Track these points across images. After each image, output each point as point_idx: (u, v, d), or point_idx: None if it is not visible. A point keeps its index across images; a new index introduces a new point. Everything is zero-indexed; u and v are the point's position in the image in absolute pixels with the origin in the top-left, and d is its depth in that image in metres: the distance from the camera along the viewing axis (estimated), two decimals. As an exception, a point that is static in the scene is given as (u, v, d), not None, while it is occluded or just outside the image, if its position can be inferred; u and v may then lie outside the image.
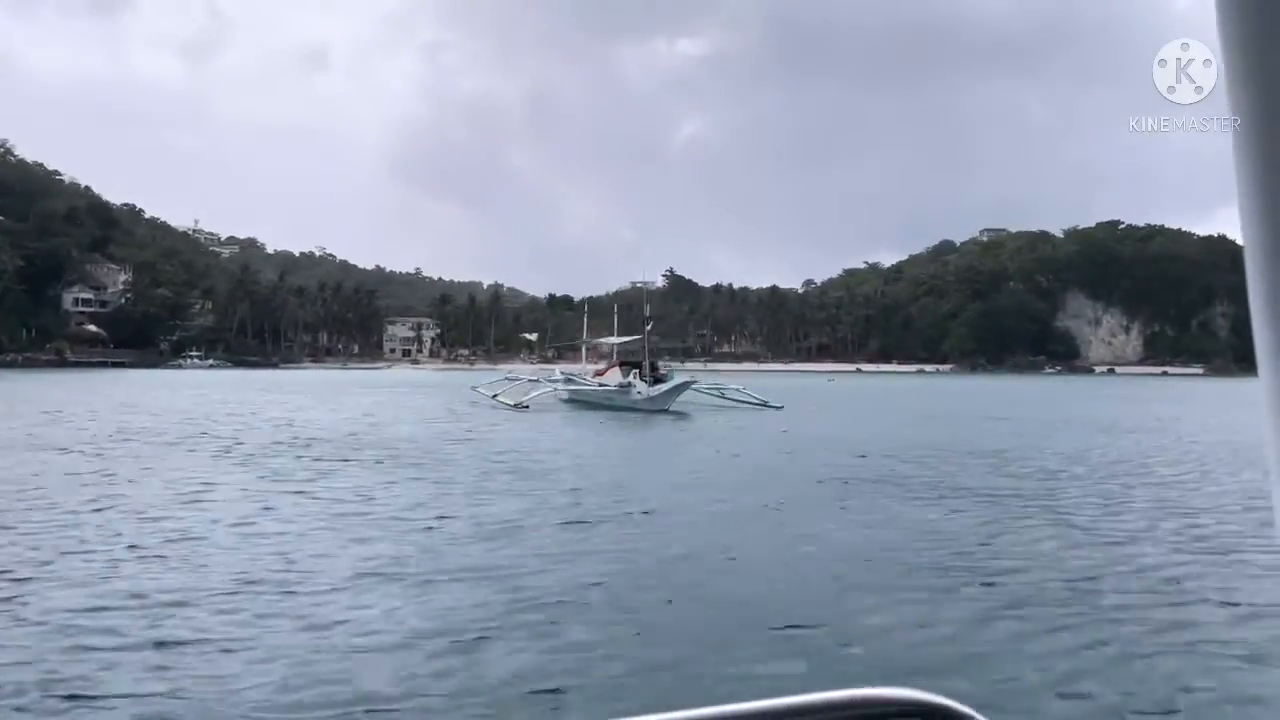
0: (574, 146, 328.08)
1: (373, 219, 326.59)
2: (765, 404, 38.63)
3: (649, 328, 43.22)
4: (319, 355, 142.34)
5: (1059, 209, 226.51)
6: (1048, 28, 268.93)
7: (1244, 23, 0.71)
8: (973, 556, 9.67)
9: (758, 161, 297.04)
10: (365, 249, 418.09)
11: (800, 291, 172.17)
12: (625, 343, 51.27)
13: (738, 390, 40.84)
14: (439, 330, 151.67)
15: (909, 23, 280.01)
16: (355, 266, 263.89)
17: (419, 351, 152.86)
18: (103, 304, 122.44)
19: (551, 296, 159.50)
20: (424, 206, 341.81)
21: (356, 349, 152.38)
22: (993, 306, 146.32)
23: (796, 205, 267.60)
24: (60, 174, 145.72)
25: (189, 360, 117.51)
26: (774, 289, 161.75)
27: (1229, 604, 7.79)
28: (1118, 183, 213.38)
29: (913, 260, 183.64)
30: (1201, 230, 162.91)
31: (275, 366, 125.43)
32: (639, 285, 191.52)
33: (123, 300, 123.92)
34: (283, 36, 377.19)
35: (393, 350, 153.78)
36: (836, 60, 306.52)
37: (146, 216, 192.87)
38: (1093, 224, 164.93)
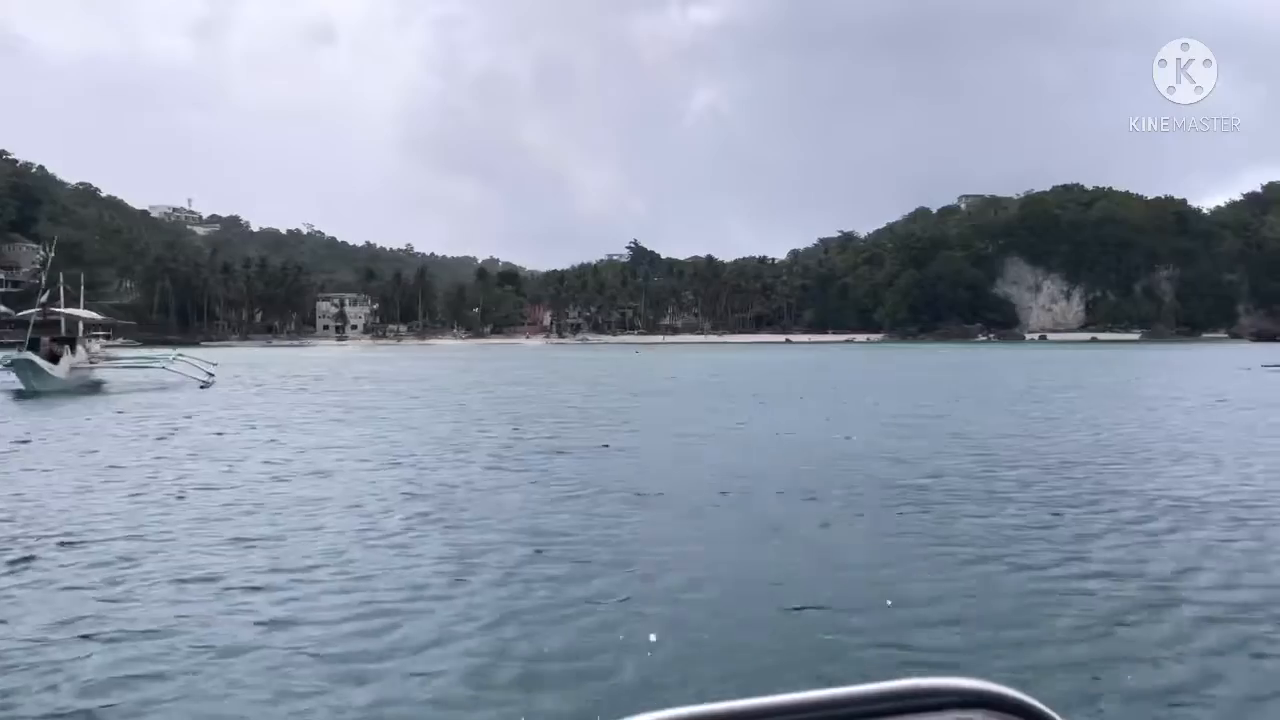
0: (586, 119, 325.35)
1: (377, 195, 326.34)
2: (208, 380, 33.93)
3: (44, 297, 38.21)
4: (246, 333, 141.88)
5: (1072, 175, 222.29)
6: None
7: None
8: None
9: (771, 130, 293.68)
10: (368, 226, 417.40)
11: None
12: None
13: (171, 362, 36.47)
14: (374, 306, 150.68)
15: None
16: (345, 244, 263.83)
17: (349, 328, 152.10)
18: (15, 284, 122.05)
19: (482, 270, 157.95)
20: (432, 182, 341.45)
21: (292, 326, 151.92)
22: (926, 274, 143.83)
23: (811, 173, 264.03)
24: (8, 153, 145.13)
25: (93, 340, 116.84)
26: (709, 259, 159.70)
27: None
28: (1133, 148, 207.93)
29: (889, 229, 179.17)
30: (1152, 194, 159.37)
31: (194, 345, 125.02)
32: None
33: (35, 280, 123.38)
34: (290, 13, 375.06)
35: (326, 327, 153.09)
36: (851, 26, 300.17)
37: (103, 195, 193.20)
38: (1049, 188, 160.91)
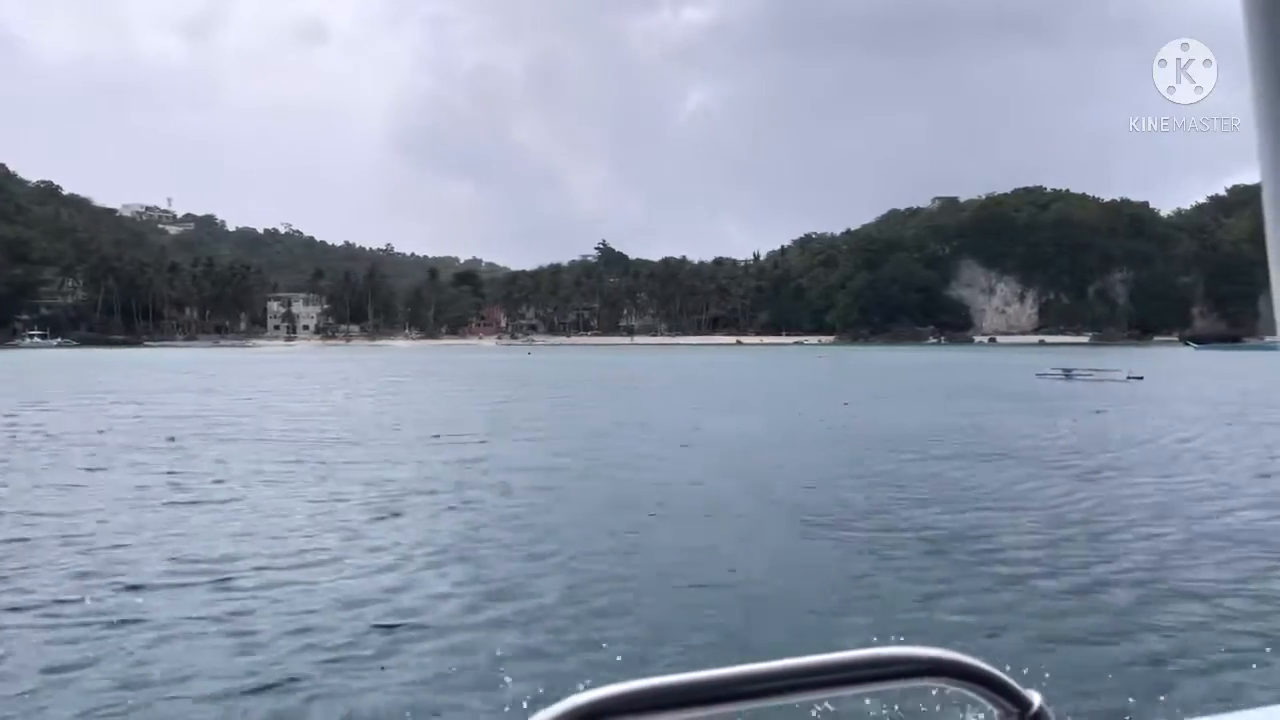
0: (579, 119, 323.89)
1: (363, 195, 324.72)
2: None
3: None
4: (193, 333, 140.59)
5: (1072, 176, 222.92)
6: None
7: (1270, 17, 0.72)
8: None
9: (764, 130, 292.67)
10: (352, 225, 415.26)
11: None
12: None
13: None
14: (324, 306, 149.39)
15: None
16: (323, 243, 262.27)
17: (297, 329, 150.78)
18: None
19: (434, 270, 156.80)
20: (420, 181, 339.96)
21: (243, 326, 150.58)
22: (879, 277, 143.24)
23: (805, 173, 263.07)
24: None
25: (29, 339, 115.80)
26: (666, 260, 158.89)
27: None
28: (1129, 149, 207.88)
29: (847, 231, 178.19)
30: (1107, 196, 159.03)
31: (138, 345, 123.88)
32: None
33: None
34: (281, 12, 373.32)
35: (277, 327, 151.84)
36: (844, 26, 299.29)
37: (65, 193, 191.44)
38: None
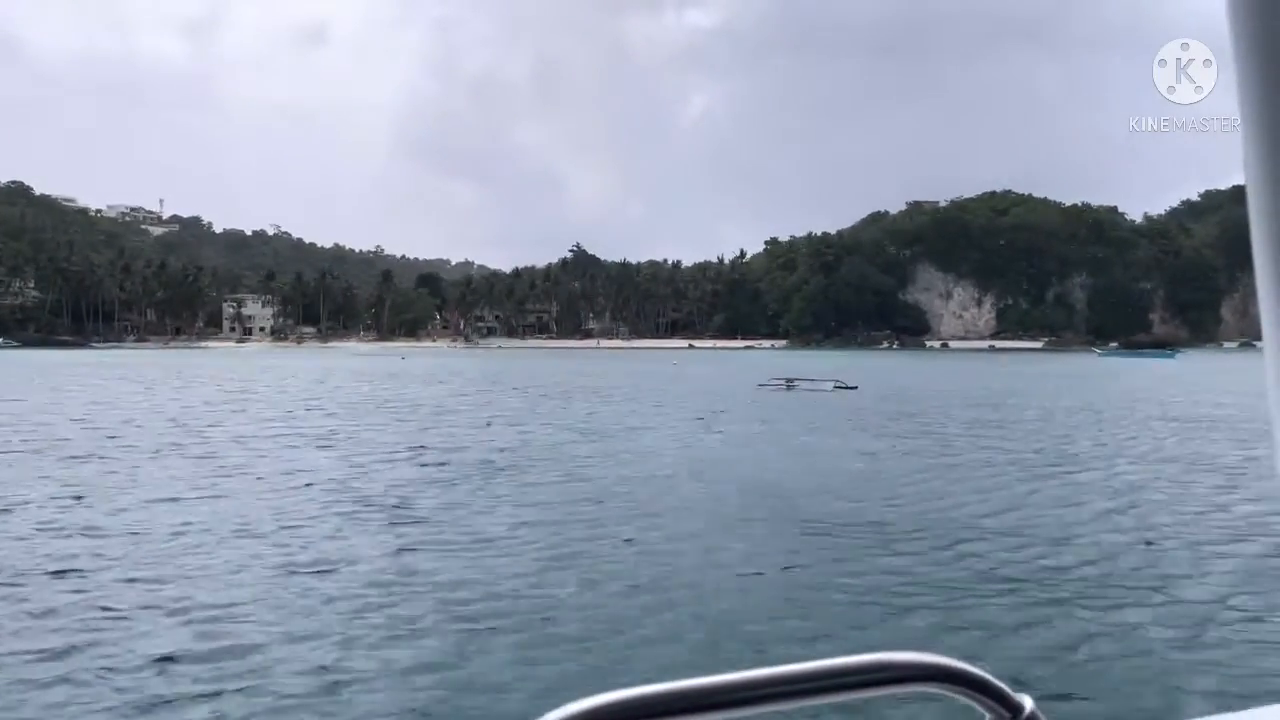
0: (582, 122, 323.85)
1: (358, 197, 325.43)
2: None
3: None
4: (144, 335, 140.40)
5: (1067, 180, 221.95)
6: None
7: (1254, 17, 0.73)
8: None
9: (768, 133, 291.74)
10: (343, 227, 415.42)
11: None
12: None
13: None
14: (276, 308, 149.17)
15: None
16: (312, 245, 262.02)
17: (253, 331, 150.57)
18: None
19: (387, 273, 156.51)
20: (423, 184, 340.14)
21: (201, 327, 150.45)
22: (834, 280, 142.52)
23: (807, 177, 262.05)
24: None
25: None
26: (624, 263, 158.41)
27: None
28: (1127, 153, 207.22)
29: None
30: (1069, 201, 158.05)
31: (84, 347, 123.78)
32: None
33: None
34: (282, 14, 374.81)
35: (232, 329, 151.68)
36: (848, 30, 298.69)
37: (36, 194, 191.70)
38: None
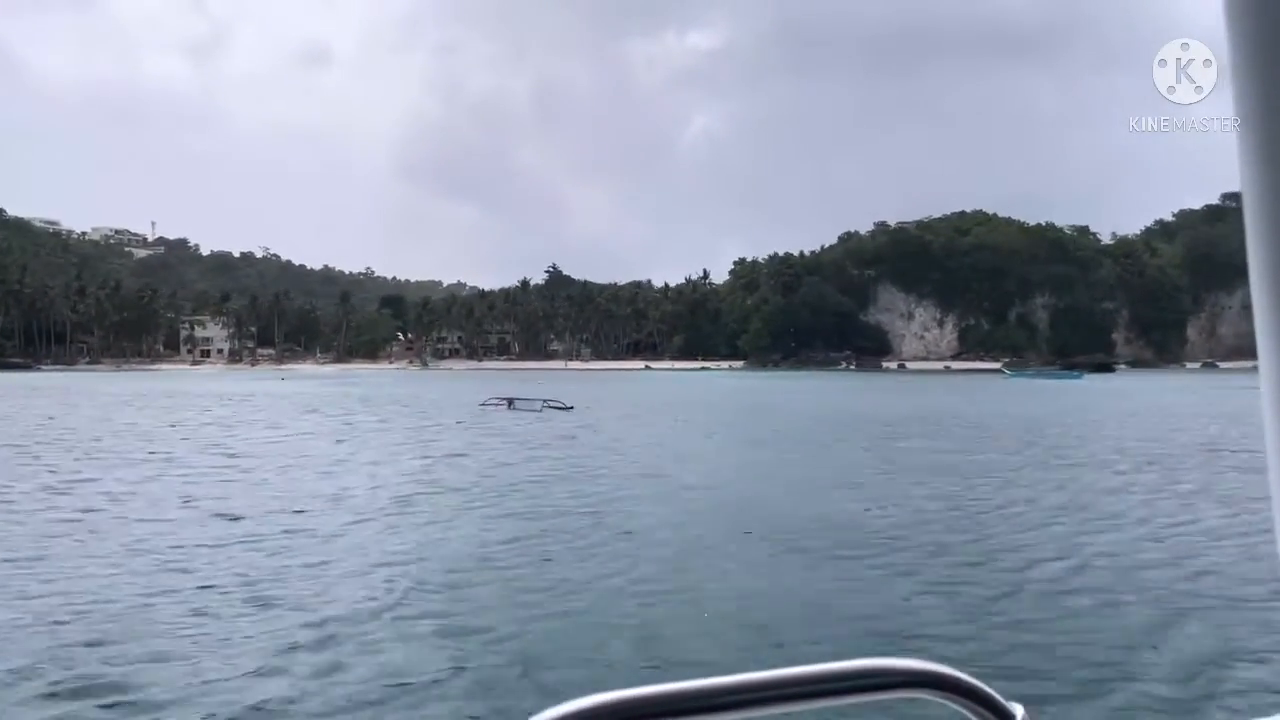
0: (584, 143, 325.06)
1: (360, 219, 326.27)
2: None
3: None
4: (97, 358, 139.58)
5: (1071, 200, 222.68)
6: (1061, 15, 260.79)
7: (1251, 20, 0.73)
8: None
9: (769, 153, 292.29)
10: (351, 251, 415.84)
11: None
12: None
13: None
14: (230, 330, 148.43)
15: (919, 12, 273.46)
16: (301, 267, 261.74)
17: (211, 353, 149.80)
18: None
19: (345, 294, 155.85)
20: (421, 205, 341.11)
21: (161, 348, 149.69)
22: (792, 301, 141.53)
23: (809, 196, 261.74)
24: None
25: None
26: (584, 284, 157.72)
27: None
28: (1134, 172, 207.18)
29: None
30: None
31: (32, 369, 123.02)
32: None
33: None
34: (284, 38, 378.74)
35: (190, 350, 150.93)
36: (849, 50, 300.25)
37: (8, 215, 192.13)
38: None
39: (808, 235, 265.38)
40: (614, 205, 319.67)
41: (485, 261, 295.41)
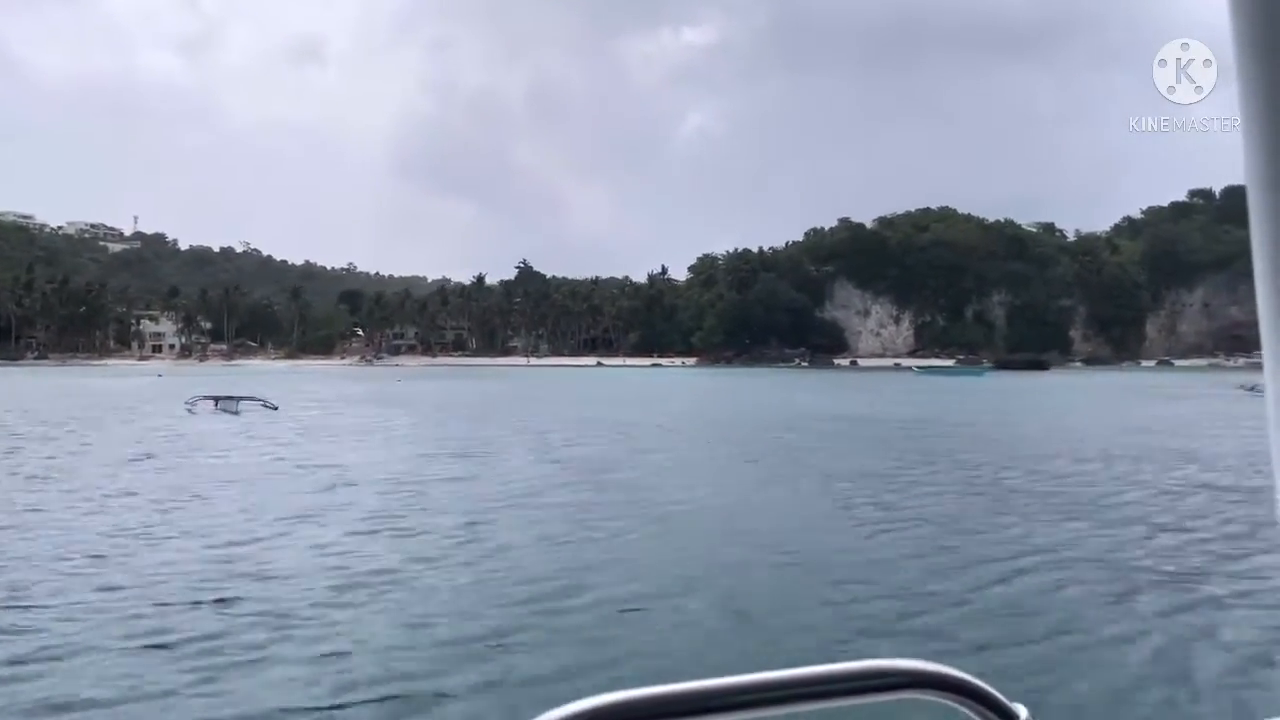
0: (579, 140, 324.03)
1: (350, 215, 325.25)
2: None
3: None
4: (45, 354, 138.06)
5: (1071, 198, 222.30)
6: (1060, 12, 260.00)
7: (1256, 17, 0.72)
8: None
9: (765, 150, 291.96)
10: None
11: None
12: None
13: None
14: (179, 325, 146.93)
15: (916, 8, 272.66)
16: (282, 262, 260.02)
17: (163, 348, 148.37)
18: None
19: (296, 290, 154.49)
20: (415, 202, 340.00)
21: (111, 344, 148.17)
22: (746, 298, 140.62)
23: (803, 192, 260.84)
24: None
25: None
26: (543, 279, 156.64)
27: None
28: (1134, 170, 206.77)
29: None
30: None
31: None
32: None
33: None
34: (277, 34, 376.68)
35: (142, 345, 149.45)
36: (844, 46, 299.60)
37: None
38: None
39: (804, 232, 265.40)
40: (609, 202, 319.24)
41: (479, 259, 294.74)
